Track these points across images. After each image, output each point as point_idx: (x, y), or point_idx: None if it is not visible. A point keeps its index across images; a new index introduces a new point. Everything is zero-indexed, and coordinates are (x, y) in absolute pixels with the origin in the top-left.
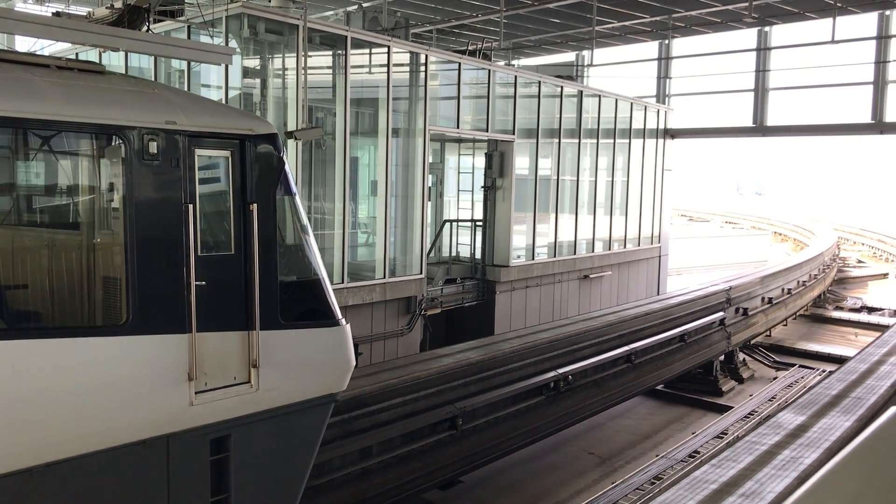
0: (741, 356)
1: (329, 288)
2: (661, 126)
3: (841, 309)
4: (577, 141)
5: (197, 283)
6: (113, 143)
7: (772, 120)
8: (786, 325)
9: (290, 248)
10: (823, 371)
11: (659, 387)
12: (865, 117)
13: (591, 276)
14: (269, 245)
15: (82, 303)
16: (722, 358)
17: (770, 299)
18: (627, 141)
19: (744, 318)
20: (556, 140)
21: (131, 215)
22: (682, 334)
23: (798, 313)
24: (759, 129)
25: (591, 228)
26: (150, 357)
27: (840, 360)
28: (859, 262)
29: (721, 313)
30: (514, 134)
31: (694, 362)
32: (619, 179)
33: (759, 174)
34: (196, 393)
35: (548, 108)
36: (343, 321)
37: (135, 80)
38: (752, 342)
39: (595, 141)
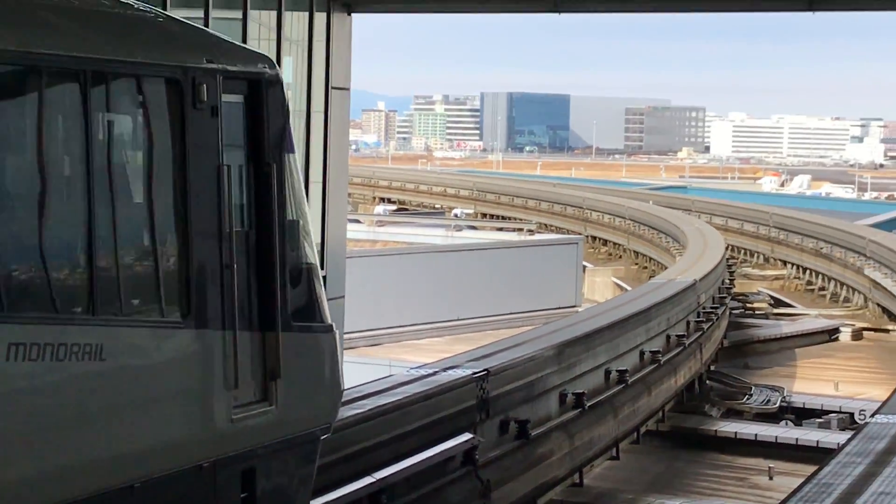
0: None
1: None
2: None
3: (737, 415)
4: None
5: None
6: (165, 89)
7: None
8: (616, 457)
9: (295, 224)
10: None
11: None
12: None
13: None
14: (292, 217)
15: (138, 288)
16: None
17: (579, 398)
18: None
19: (520, 445)
20: None
21: (188, 179)
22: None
23: (644, 429)
24: None
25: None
26: (206, 358)
27: None
28: (775, 302)
29: (467, 436)
30: None
31: None
32: None
33: (553, 100)
34: (234, 407)
35: None
36: (333, 326)
37: (129, 4)
38: None
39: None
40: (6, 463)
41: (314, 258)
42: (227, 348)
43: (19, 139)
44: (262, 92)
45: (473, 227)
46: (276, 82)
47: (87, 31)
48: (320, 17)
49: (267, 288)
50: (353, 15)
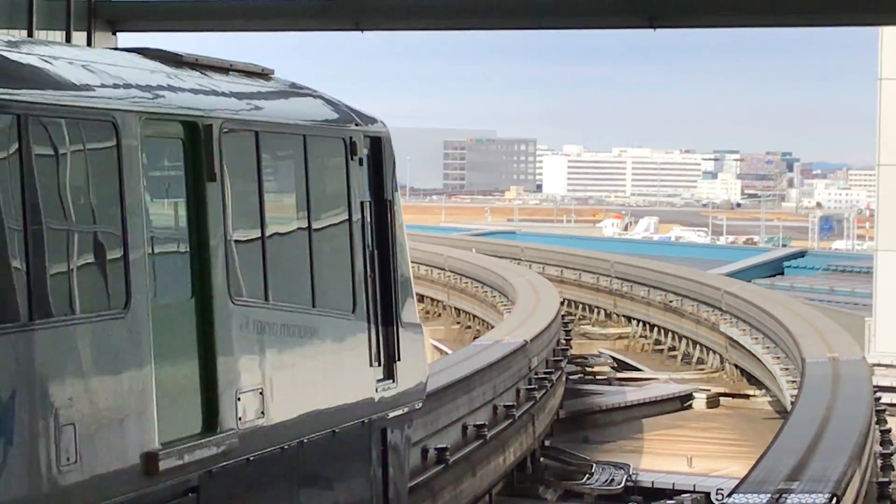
0: None
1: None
2: None
3: (577, 497)
4: None
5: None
6: (339, 147)
7: None
8: None
9: (401, 245)
10: None
11: None
12: None
13: None
14: (399, 240)
15: (335, 288)
16: None
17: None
18: None
19: None
20: None
21: (351, 211)
22: None
23: None
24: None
25: None
26: (363, 341)
27: None
28: (618, 365)
29: None
30: None
31: None
32: None
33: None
34: (376, 381)
35: None
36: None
37: (292, 83)
38: None
39: None
40: (273, 409)
41: (410, 272)
42: (371, 335)
43: (277, 183)
44: (382, 146)
45: None
46: (388, 138)
47: (302, 107)
48: (80, 37)
49: (389, 292)
50: (118, 34)
